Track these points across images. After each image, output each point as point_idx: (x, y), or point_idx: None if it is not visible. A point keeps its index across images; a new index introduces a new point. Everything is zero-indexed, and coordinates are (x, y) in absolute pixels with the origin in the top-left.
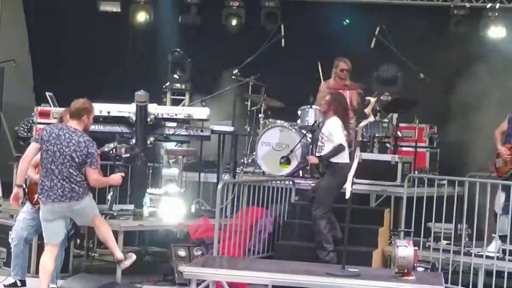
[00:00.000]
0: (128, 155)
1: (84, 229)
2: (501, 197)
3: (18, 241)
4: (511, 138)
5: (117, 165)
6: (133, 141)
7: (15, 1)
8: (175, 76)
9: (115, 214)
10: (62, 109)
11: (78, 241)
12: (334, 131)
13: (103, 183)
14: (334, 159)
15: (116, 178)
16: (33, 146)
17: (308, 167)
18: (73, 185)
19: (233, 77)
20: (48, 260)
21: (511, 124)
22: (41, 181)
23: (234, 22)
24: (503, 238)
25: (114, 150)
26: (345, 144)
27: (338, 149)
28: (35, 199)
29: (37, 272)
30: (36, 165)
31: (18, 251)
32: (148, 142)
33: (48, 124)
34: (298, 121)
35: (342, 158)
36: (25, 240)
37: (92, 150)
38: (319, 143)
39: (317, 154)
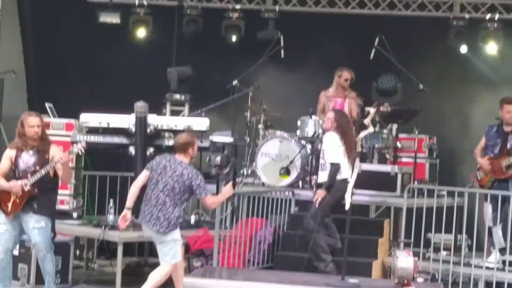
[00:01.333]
0: (228, 169)
1: (84, 240)
2: (488, 209)
3: (4, 254)
4: (488, 150)
5: (221, 178)
6: (225, 150)
7: (13, 13)
8: (175, 87)
9: (115, 225)
10: (62, 120)
11: (78, 252)
12: (327, 148)
13: (218, 202)
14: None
15: (229, 190)
16: (143, 174)
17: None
18: (160, 214)
19: (232, 87)
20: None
21: (487, 137)
22: (142, 205)
23: (233, 33)
24: (502, 251)
25: (213, 163)
26: (340, 161)
27: (334, 171)
28: (8, 209)
29: (36, 282)
30: (4, 175)
31: (6, 263)
32: (148, 153)
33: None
34: (298, 132)
35: (340, 175)
36: (11, 251)
37: (198, 181)
38: (320, 161)
39: (319, 181)
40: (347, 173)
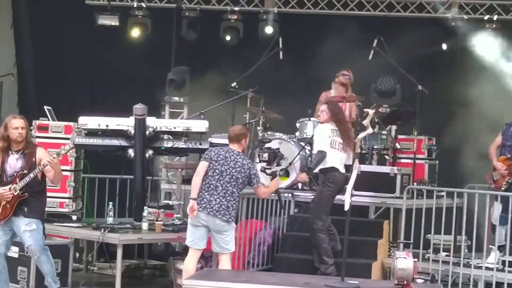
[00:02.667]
0: (276, 164)
1: (83, 242)
2: (496, 208)
3: None
4: (506, 150)
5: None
6: (270, 145)
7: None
8: (174, 89)
9: (114, 227)
10: (61, 123)
11: (77, 254)
12: (315, 138)
13: (269, 192)
14: (321, 167)
15: (276, 183)
16: (203, 164)
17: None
18: (229, 204)
19: (231, 89)
20: (191, 264)
21: (504, 136)
22: (202, 194)
23: (232, 35)
24: (501, 248)
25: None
26: (326, 149)
27: (319, 157)
28: None
29: (36, 285)
30: None
31: (0, 268)
32: (147, 155)
33: (47, 137)
34: (297, 134)
35: (327, 163)
36: (4, 256)
37: (254, 171)
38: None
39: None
40: (340, 162)
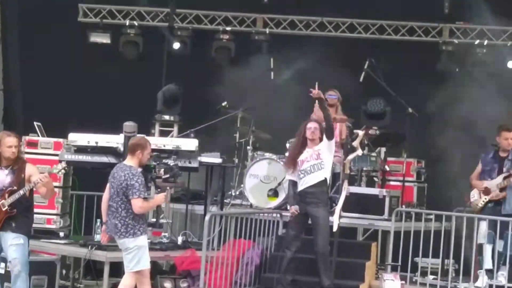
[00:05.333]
0: (168, 175)
1: (70, 259)
2: (482, 225)
3: None
4: (485, 175)
5: (158, 185)
6: (170, 161)
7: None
8: (164, 107)
9: (101, 244)
10: (50, 139)
11: (64, 271)
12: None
13: (148, 207)
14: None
15: (160, 198)
16: (107, 186)
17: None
18: (116, 221)
19: (222, 109)
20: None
21: (483, 162)
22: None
23: (223, 54)
24: (489, 274)
25: (153, 170)
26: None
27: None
28: None
29: None
30: None
31: None
32: None
33: (36, 153)
34: (287, 154)
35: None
36: None
37: (132, 182)
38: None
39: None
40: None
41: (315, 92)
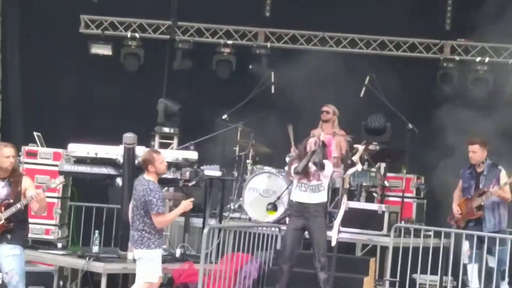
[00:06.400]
0: (194, 182)
1: (68, 271)
2: (465, 246)
3: None
4: (466, 192)
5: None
6: (195, 164)
7: None
8: (164, 120)
9: (99, 256)
10: (50, 149)
11: (61, 282)
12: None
13: (169, 219)
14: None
15: (186, 205)
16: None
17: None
18: (134, 233)
19: (222, 122)
20: None
21: (462, 179)
22: None
23: (224, 68)
24: None
25: (179, 175)
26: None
27: None
28: None
29: None
30: None
31: None
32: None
33: (35, 164)
34: (286, 168)
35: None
36: None
37: (150, 197)
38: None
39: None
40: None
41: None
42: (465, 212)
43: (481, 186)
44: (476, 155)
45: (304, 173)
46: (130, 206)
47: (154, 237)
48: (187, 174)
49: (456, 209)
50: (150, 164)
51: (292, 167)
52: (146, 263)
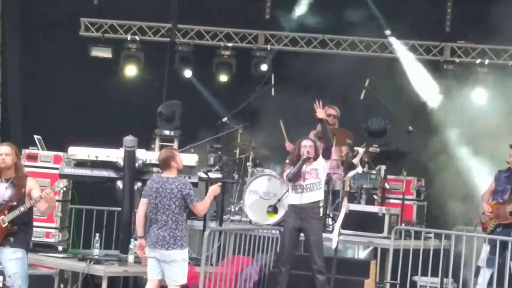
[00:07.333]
0: (217, 167)
1: (68, 274)
2: (484, 250)
3: None
4: (498, 195)
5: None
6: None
7: None
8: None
9: (100, 259)
10: (50, 152)
11: (62, 286)
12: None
13: (207, 204)
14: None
15: (215, 190)
16: (143, 202)
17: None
18: (165, 234)
19: (222, 124)
20: None
21: (497, 182)
22: (148, 229)
23: (225, 70)
24: None
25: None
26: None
27: None
28: None
29: None
30: None
31: None
32: (136, 187)
33: (36, 167)
34: (278, 170)
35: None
36: None
37: (186, 191)
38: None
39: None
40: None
41: (320, 112)
42: (495, 216)
43: None
44: None
45: (297, 177)
46: (142, 212)
47: (184, 236)
48: (212, 159)
49: (487, 208)
50: (173, 160)
51: (285, 174)
52: (181, 264)
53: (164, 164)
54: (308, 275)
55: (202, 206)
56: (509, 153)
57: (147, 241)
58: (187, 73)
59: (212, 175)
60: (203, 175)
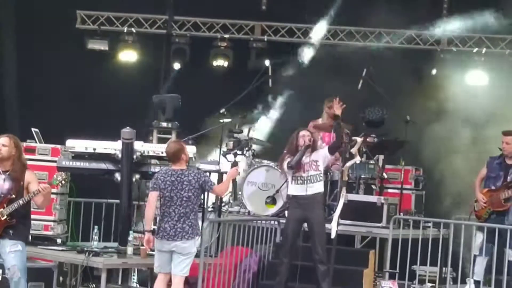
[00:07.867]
0: (236, 150)
1: (67, 266)
2: (478, 237)
3: None
4: (490, 182)
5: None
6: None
7: None
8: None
9: (98, 251)
10: (48, 145)
11: (61, 278)
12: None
13: (225, 186)
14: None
15: (233, 172)
16: (154, 195)
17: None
18: (184, 225)
19: (220, 116)
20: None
21: (489, 168)
22: (159, 224)
23: (222, 62)
24: (477, 284)
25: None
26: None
27: None
28: None
29: None
30: None
31: None
32: (134, 179)
33: (34, 160)
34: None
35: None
36: None
37: (203, 178)
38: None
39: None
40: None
41: (337, 109)
42: (489, 203)
43: (509, 178)
44: (509, 147)
45: (298, 167)
46: (153, 205)
47: (198, 226)
48: (231, 144)
49: (480, 197)
50: (183, 152)
51: (285, 163)
52: (193, 257)
53: (175, 156)
54: (308, 266)
55: (220, 188)
56: (502, 140)
57: (159, 235)
58: (176, 66)
59: (209, 167)
60: (202, 167)
